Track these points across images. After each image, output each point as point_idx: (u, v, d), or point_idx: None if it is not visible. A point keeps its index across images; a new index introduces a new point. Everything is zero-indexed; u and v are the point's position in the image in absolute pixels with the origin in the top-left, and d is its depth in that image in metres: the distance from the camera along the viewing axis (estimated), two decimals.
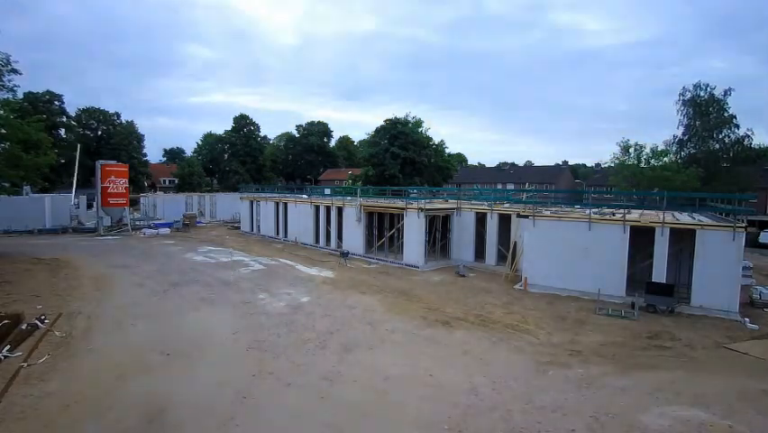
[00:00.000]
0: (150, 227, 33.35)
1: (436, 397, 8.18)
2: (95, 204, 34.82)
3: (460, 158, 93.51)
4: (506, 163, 75.22)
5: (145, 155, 72.58)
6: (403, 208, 21.80)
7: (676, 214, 17.62)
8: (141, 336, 11.24)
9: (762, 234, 32.91)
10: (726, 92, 39.13)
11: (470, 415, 7.52)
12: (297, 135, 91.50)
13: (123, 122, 68.88)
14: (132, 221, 34.77)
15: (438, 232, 22.63)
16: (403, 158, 57.09)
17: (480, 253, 21.61)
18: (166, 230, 33.58)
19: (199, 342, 10.80)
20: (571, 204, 23.25)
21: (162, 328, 11.83)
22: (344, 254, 22.26)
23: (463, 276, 18.84)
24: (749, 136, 39.36)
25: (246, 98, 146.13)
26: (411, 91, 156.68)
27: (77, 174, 40.49)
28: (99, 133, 67.03)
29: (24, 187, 33.82)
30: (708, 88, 39.71)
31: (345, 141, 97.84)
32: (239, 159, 73.06)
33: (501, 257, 20.29)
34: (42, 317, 11.87)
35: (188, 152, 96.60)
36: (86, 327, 11.78)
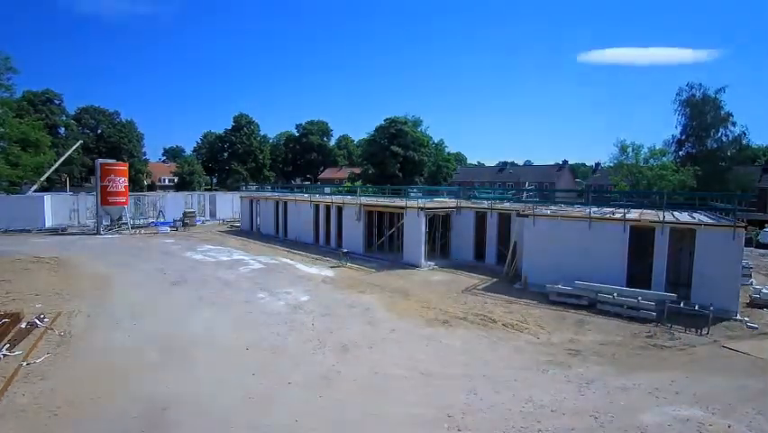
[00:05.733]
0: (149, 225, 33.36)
1: (436, 396, 8.18)
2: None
3: (459, 157, 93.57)
4: (506, 163, 75.17)
5: (144, 153, 72.60)
6: (403, 207, 21.79)
7: (676, 213, 17.63)
8: (141, 334, 11.22)
9: (761, 233, 32.90)
10: (720, 90, 39.19)
11: (470, 414, 7.52)
12: (297, 134, 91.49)
13: (123, 120, 68.85)
14: (132, 220, 34.78)
15: (438, 231, 22.63)
16: (403, 156, 57.07)
17: (479, 252, 21.61)
18: (165, 228, 33.60)
19: (199, 341, 10.80)
20: (572, 203, 23.23)
21: (162, 327, 11.82)
22: (344, 253, 22.25)
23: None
24: (745, 134, 39.49)
25: None
26: None
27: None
28: (99, 131, 66.98)
29: (25, 185, 33.78)
30: (702, 87, 39.80)
31: (345, 140, 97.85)
32: (239, 158, 73.05)
33: (501, 256, 20.28)
34: (42, 316, 11.87)
35: (188, 150, 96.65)
36: (86, 325, 11.77)
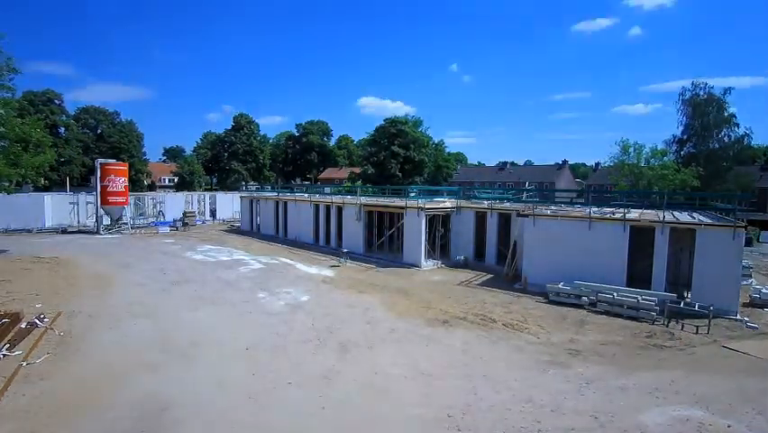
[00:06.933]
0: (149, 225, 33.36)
1: (435, 396, 8.18)
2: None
3: (459, 157, 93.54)
4: (505, 162, 75.10)
5: (144, 153, 72.48)
6: (403, 207, 21.79)
7: (676, 213, 17.62)
8: (141, 334, 11.23)
9: (762, 233, 32.91)
10: (726, 91, 39.08)
11: (470, 414, 7.52)
12: (297, 134, 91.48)
13: (123, 120, 68.80)
14: (132, 220, 34.83)
15: (438, 231, 22.63)
16: (403, 157, 57.02)
17: (479, 252, 21.60)
18: (165, 228, 33.60)
19: (199, 341, 10.80)
20: (572, 203, 23.23)
21: (162, 327, 11.83)
22: (344, 253, 22.26)
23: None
24: (748, 135, 39.38)
25: None
26: None
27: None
28: (99, 131, 66.92)
29: (25, 185, 33.75)
30: (707, 87, 39.66)
31: (345, 140, 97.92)
32: (239, 158, 72.95)
33: (501, 256, 20.28)
34: (42, 316, 11.87)
35: (188, 150, 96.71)
36: (86, 325, 11.77)
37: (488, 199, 25.41)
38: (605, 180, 50.38)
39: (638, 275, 15.46)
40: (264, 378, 8.83)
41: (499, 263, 20.11)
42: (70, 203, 35.03)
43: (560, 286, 14.98)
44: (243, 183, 59.33)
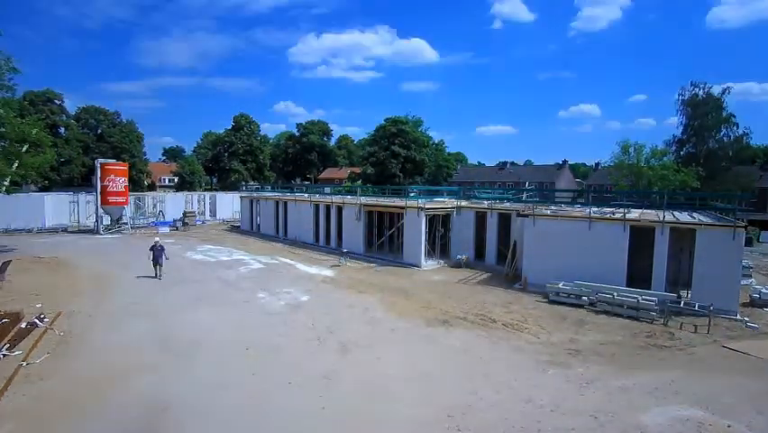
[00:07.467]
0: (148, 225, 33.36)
1: (436, 396, 8.18)
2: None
3: (459, 157, 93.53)
4: (505, 162, 75.04)
5: (145, 154, 72.36)
6: (403, 207, 21.79)
7: (676, 213, 17.62)
8: (141, 335, 11.23)
9: (762, 233, 32.93)
10: (724, 91, 39.13)
11: (470, 414, 7.51)
12: (297, 134, 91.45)
13: (124, 120, 68.73)
14: (132, 220, 34.83)
15: (438, 231, 22.63)
16: (403, 156, 57.06)
17: (480, 252, 21.60)
18: (165, 228, 33.59)
19: (199, 341, 10.80)
20: (572, 203, 23.23)
21: (162, 327, 11.83)
22: (344, 253, 22.26)
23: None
24: (747, 134, 39.44)
25: None
26: None
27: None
28: (99, 131, 66.84)
29: (26, 185, 33.75)
30: (706, 87, 39.72)
31: (345, 140, 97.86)
32: (239, 158, 72.85)
33: (501, 256, 20.28)
34: (42, 316, 11.87)
35: (188, 150, 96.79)
36: (86, 325, 11.78)
37: (488, 199, 25.43)
38: (605, 180, 50.36)
39: (638, 275, 15.44)
40: (264, 378, 8.83)
41: (499, 263, 20.11)
42: (70, 203, 35.05)
43: (560, 286, 14.98)
44: (243, 183, 59.32)
